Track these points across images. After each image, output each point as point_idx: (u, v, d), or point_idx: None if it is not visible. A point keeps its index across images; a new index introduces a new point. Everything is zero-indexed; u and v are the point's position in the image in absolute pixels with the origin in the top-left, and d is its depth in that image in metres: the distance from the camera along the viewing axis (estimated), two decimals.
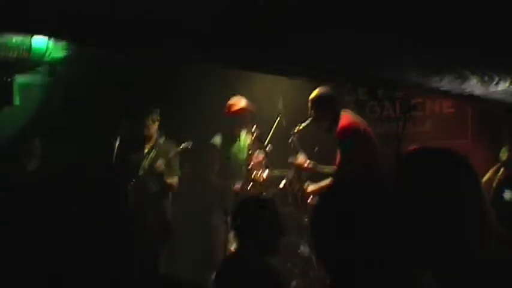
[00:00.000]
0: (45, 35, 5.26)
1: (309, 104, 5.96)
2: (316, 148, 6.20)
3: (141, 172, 6.25)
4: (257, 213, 3.63)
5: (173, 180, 6.38)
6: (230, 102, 6.41)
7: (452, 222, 1.76)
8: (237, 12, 3.42)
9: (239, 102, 6.36)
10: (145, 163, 6.29)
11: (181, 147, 6.22)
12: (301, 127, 6.08)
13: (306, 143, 6.21)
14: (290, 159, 6.20)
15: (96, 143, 6.26)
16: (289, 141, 6.16)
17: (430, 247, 1.76)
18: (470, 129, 6.90)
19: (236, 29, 3.66)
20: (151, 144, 6.38)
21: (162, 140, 6.40)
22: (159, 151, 6.29)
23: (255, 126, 6.25)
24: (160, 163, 6.20)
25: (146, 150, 6.38)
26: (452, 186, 1.80)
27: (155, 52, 4.57)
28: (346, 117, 5.91)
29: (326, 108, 5.90)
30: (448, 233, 1.76)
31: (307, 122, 6.05)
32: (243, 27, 3.66)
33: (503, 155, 5.98)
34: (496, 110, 5.82)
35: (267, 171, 6.26)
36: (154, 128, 6.38)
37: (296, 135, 6.14)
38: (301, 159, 6.08)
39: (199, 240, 6.71)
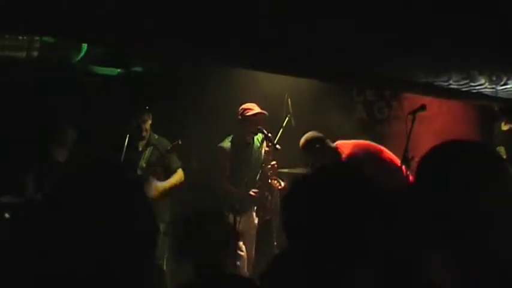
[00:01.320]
0: (47, 35, 5.30)
1: (304, 153, 6.08)
2: None
3: (139, 171, 6.31)
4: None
5: (178, 174, 6.45)
6: (244, 106, 6.38)
7: (482, 221, 1.72)
8: (241, 11, 3.44)
9: (253, 106, 6.37)
10: (143, 162, 6.35)
11: (171, 145, 6.28)
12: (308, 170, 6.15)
13: None
14: None
15: (109, 140, 6.32)
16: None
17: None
18: (479, 129, 6.91)
19: (240, 28, 3.69)
20: (144, 142, 6.45)
21: (155, 137, 6.48)
22: (154, 148, 6.36)
23: (268, 133, 6.26)
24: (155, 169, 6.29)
25: (141, 148, 6.45)
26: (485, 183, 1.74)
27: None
28: (345, 145, 6.02)
29: (321, 150, 6.00)
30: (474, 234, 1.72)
31: (310, 166, 6.12)
32: (248, 26, 3.69)
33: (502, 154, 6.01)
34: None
35: (282, 182, 6.30)
36: (148, 126, 6.45)
37: None
38: None
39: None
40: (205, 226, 3.51)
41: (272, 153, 6.34)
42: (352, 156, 5.84)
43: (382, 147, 5.96)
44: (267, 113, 6.30)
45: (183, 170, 6.54)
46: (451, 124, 6.98)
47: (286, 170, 6.49)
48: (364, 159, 5.80)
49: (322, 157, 5.99)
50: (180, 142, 6.24)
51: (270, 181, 6.31)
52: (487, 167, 1.77)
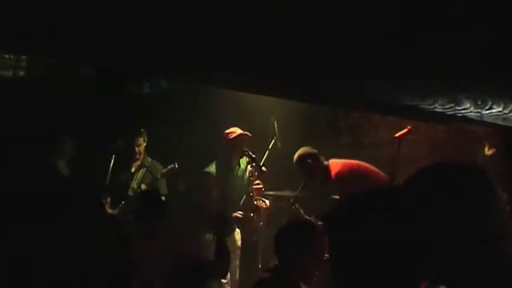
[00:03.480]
0: (32, 54, 5.31)
1: (296, 168, 6.09)
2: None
3: (130, 192, 6.32)
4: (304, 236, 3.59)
5: None
6: (227, 131, 6.43)
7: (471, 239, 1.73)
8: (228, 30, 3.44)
9: (236, 129, 6.39)
10: (134, 183, 6.37)
11: (167, 168, 6.35)
12: (297, 193, 6.18)
13: (308, 205, 6.29)
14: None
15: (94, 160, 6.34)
16: (293, 209, 6.23)
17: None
18: (462, 152, 6.93)
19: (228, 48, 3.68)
20: (138, 164, 6.46)
21: (148, 160, 6.50)
22: (146, 171, 6.41)
23: (252, 154, 6.28)
24: (143, 187, 6.33)
25: (133, 170, 6.44)
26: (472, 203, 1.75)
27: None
28: (335, 163, 6.03)
29: (313, 166, 6.02)
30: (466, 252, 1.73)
31: (301, 186, 6.20)
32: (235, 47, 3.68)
33: None
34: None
35: (267, 201, 6.32)
36: (141, 149, 6.49)
37: (296, 202, 6.22)
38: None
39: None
40: None
41: (255, 173, 6.35)
42: (339, 175, 5.86)
43: (373, 168, 5.96)
44: (250, 134, 6.33)
45: (168, 197, 6.57)
46: (436, 148, 7.01)
47: (272, 193, 6.49)
48: (349, 178, 5.80)
49: (313, 173, 6.02)
50: (176, 166, 6.29)
51: (255, 202, 6.29)
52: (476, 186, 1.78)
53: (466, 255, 1.71)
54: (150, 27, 3.25)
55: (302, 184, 6.15)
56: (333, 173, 5.90)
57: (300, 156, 6.06)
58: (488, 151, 6.47)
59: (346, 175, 5.84)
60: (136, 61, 4.10)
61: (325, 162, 6.03)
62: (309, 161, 6.00)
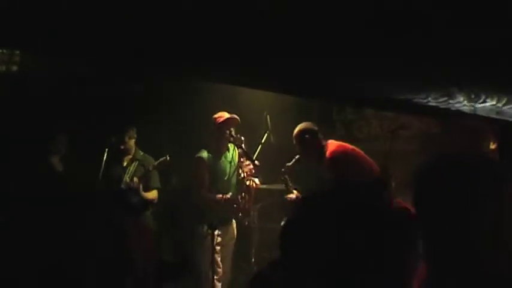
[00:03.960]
0: (29, 50, 5.30)
1: (294, 142, 6.09)
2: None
3: (122, 186, 6.36)
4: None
5: (152, 193, 6.59)
6: (215, 116, 6.42)
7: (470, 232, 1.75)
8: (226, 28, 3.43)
9: (224, 114, 6.39)
10: (127, 177, 6.41)
11: (159, 161, 6.39)
12: (290, 164, 6.17)
13: (299, 179, 6.29)
14: (285, 196, 6.30)
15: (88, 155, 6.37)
16: (282, 179, 6.24)
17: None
18: (457, 148, 6.92)
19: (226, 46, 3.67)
20: (130, 157, 6.49)
21: (140, 154, 6.52)
22: (138, 164, 6.45)
23: (242, 137, 6.27)
24: (135, 179, 6.38)
25: (125, 164, 6.51)
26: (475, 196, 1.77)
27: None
28: (332, 143, 6.04)
29: (310, 142, 6.04)
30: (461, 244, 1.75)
31: (296, 159, 6.19)
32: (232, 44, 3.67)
33: None
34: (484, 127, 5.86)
35: (256, 179, 6.31)
36: (132, 143, 6.61)
37: (287, 173, 6.22)
38: (295, 195, 6.22)
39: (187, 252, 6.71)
40: None
41: (244, 155, 6.36)
42: (332, 154, 5.90)
43: (367, 157, 5.97)
44: (237, 118, 6.33)
45: (161, 190, 6.69)
46: (432, 144, 7.01)
47: (264, 186, 6.49)
48: (342, 159, 5.86)
49: (309, 149, 6.05)
50: (168, 158, 6.32)
51: (246, 182, 6.30)
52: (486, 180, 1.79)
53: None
54: (149, 26, 3.24)
55: (297, 157, 6.12)
56: (328, 152, 5.89)
57: (299, 131, 6.08)
58: (492, 145, 6.46)
59: (339, 156, 5.86)
60: (135, 61, 4.09)
61: (324, 141, 6.03)
62: (307, 136, 6.03)
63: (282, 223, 1.90)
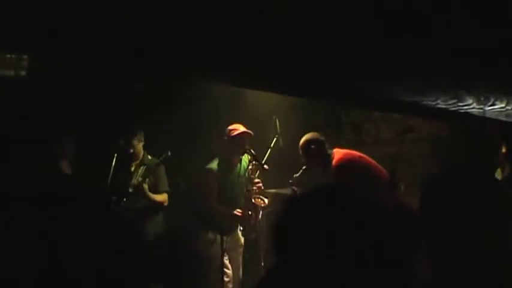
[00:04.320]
0: (32, 52, 5.32)
1: (300, 152, 6.07)
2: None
3: (130, 189, 6.36)
4: None
5: (162, 196, 6.54)
6: (230, 127, 6.37)
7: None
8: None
9: (238, 127, 6.36)
10: (135, 180, 6.41)
11: (162, 156, 6.37)
12: (298, 175, 6.17)
13: (306, 189, 6.27)
14: None
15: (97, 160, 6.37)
16: (291, 190, 6.24)
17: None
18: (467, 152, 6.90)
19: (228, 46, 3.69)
20: (137, 162, 6.51)
21: (148, 158, 6.57)
22: (147, 168, 6.44)
23: (252, 150, 6.26)
24: (140, 180, 6.37)
25: (133, 168, 6.52)
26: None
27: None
28: (338, 152, 6.02)
29: (316, 153, 6.01)
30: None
31: (302, 169, 6.16)
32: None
33: (498, 175, 5.98)
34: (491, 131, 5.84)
35: (266, 199, 6.31)
36: (140, 147, 6.59)
37: (294, 184, 6.22)
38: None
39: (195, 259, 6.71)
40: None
41: (255, 171, 6.33)
42: (338, 163, 5.87)
43: (375, 163, 5.95)
44: (252, 133, 6.29)
45: (170, 194, 6.64)
46: (440, 147, 6.99)
47: (273, 191, 6.48)
48: (348, 167, 5.82)
49: (315, 160, 6.02)
50: (169, 154, 6.32)
51: (253, 200, 6.29)
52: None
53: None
54: (150, 27, 3.25)
55: (304, 168, 6.12)
56: (334, 161, 5.89)
57: (305, 141, 6.05)
58: (504, 149, 6.42)
59: (345, 164, 5.84)
60: (136, 61, 4.10)
61: (330, 151, 6.02)
62: (313, 146, 5.99)
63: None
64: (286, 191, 6.44)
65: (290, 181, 6.22)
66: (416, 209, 2.05)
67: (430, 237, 1.85)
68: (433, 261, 1.83)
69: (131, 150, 6.53)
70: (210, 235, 6.18)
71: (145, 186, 6.34)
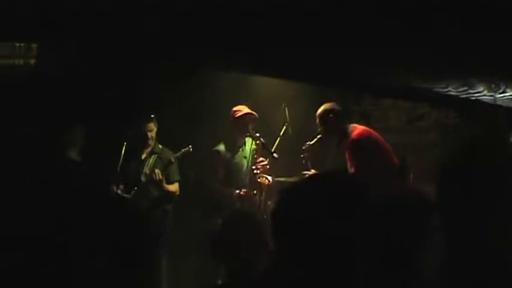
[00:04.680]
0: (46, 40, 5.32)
1: (317, 120, 6.04)
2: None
3: (142, 178, 6.34)
4: None
5: (174, 186, 6.52)
6: (234, 108, 6.41)
7: None
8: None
9: (243, 108, 6.38)
10: (146, 169, 6.38)
11: (181, 151, 6.34)
12: (311, 143, 6.14)
13: (317, 158, 6.26)
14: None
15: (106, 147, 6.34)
16: (302, 157, 6.21)
17: None
18: (475, 140, 6.87)
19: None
20: (149, 150, 6.47)
21: (159, 147, 6.52)
22: (157, 157, 6.41)
23: (258, 134, 6.26)
24: (157, 171, 6.30)
25: (144, 156, 6.48)
26: None
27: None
28: (357, 127, 6.00)
29: (333, 123, 5.98)
30: None
31: (317, 138, 6.12)
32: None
33: None
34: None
35: (269, 177, 6.30)
36: (153, 134, 6.50)
37: (307, 152, 6.19)
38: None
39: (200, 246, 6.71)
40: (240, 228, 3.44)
41: (260, 150, 6.34)
42: (359, 136, 5.85)
43: (388, 147, 5.95)
44: (256, 114, 6.31)
45: (181, 183, 6.62)
46: (450, 135, 6.97)
47: (283, 179, 6.47)
48: (368, 142, 5.83)
49: (332, 130, 6.00)
50: (190, 149, 6.28)
51: (258, 179, 6.30)
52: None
53: None
54: (163, 13, 3.26)
55: (319, 136, 6.10)
56: (353, 134, 5.86)
57: (324, 110, 6.02)
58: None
59: (365, 139, 5.84)
60: (148, 46, 4.11)
61: (347, 124, 6.00)
62: (331, 116, 5.96)
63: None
64: (296, 179, 6.42)
65: (303, 147, 6.18)
66: (426, 196, 2.03)
67: (448, 227, 1.82)
68: (450, 251, 1.80)
69: (142, 139, 6.48)
70: (219, 220, 6.17)
71: (162, 177, 6.33)
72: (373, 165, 5.50)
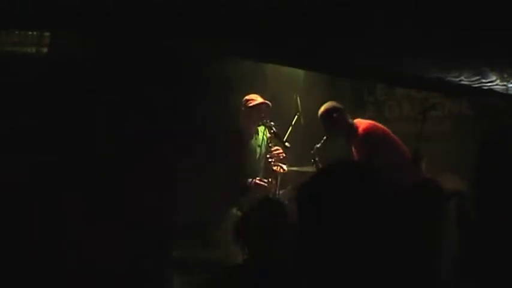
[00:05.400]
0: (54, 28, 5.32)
1: (321, 122, 6.05)
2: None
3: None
4: None
5: None
6: (247, 97, 6.35)
7: None
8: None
9: (256, 97, 6.36)
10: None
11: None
12: (319, 146, 6.14)
13: (327, 159, 6.25)
14: None
15: None
16: (312, 161, 6.21)
17: None
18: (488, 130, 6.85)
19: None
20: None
21: None
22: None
23: (272, 122, 6.25)
24: None
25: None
26: None
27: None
28: (361, 121, 6.02)
29: (339, 122, 5.98)
30: None
31: (323, 140, 6.13)
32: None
33: None
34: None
35: (284, 166, 6.30)
36: None
37: (316, 155, 6.19)
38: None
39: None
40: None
41: (273, 140, 6.32)
42: (365, 132, 5.86)
43: (397, 138, 5.94)
44: (270, 103, 6.27)
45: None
46: (463, 125, 6.95)
47: (295, 168, 6.47)
48: (376, 136, 5.83)
49: (337, 128, 6.00)
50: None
51: (274, 167, 6.30)
52: None
53: None
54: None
55: (325, 137, 6.10)
56: (360, 130, 5.87)
57: (326, 110, 6.03)
58: None
59: (372, 133, 5.84)
60: (161, 33, 4.11)
61: (351, 120, 6.01)
62: (335, 115, 5.97)
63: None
64: (308, 168, 6.42)
65: (312, 151, 6.20)
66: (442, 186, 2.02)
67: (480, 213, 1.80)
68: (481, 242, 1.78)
69: None
70: (236, 211, 6.18)
71: None
72: (384, 157, 5.49)
